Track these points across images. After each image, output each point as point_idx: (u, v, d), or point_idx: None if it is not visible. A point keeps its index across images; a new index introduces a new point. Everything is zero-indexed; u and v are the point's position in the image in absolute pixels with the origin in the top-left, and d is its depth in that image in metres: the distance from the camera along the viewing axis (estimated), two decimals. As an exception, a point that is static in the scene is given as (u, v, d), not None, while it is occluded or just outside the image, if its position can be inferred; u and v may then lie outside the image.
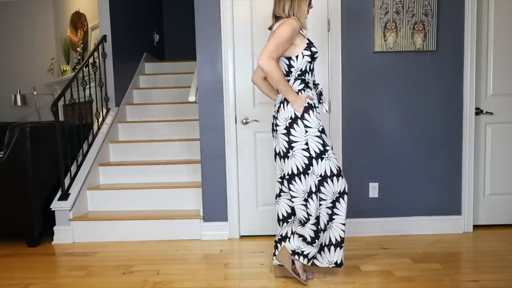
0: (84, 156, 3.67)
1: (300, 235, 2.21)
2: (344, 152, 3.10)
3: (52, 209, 3.20)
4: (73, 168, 3.50)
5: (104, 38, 4.25)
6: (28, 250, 3.06)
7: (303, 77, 2.18)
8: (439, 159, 3.12)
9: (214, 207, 3.16)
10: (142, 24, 5.48)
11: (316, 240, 2.17)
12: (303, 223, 2.19)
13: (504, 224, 3.25)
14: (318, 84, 2.27)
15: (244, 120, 3.08)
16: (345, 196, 2.22)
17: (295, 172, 2.14)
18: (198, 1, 3.06)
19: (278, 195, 2.34)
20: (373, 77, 3.07)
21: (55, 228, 3.21)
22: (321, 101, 2.26)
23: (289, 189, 2.19)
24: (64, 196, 3.25)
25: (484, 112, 3.16)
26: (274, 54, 2.06)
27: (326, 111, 2.28)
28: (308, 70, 2.18)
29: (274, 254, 2.33)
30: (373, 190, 3.13)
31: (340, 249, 2.24)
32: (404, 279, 2.28)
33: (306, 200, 2.15)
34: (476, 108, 3.14)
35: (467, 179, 3.12)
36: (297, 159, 2.13)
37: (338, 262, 2.25)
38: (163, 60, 6.30)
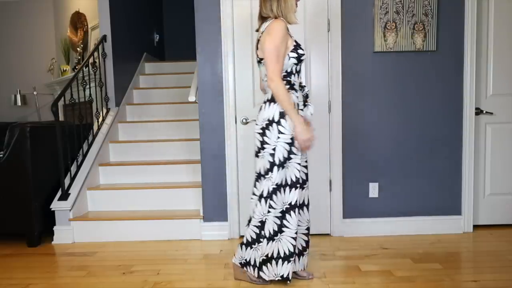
0: (84, 156, 3.67)
1: (242, 243, 2.23)
2: (344, 152, 3.10)
3: (52, 209, 3.20)
4: (73, 168, 3.50)
5: (104, 38, 4.25)
6: (28, 250, 3.06)
7: (288, 79, 2.14)
8: (439, 159, 3.12)
9: (214, 207, 3.16)
10: (142, 24, 5.48)
11: (256, 243, 2.17)
12: (247, 224, 2.22)
13: (504, 224, 3.25)
14: (304, 86, 2.23)
15: (244, 120, 3.08)
16: (296, 210, 2.13)
17: (262, 172, 2.15)
18: (198, 1, 3.06)
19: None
20: (373, 77, 3.07)
21: (55, 228, 3.21)
22: (306, 104, 2.21)
23: (254, 186, 2.21)
24: (64, 196, 3.25)
25: (484, 112, 3.16)
26: (278, 68, 2.06)
27: (311, 114, 2.23)
28: (294, 72, 2.15)
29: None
30: (373, 190, 3.13)
31: (288, 263, 2.13)
32: (404, 279, 2.28)
33: (258, 201, 2.16)
34: (476, 108, 3.14)
35: (467, 179, 3.12)
36: (264, 161, 2.13)
37: (285, 276, 2.14)
38: (163, 60, 6.30)
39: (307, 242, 2.31)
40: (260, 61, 2.20)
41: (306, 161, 2.26)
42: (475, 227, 3.20)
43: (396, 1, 3.00)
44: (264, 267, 2.18)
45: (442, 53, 3.06)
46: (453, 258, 2.62)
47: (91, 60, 4.01)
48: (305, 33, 3.04)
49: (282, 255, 2.14)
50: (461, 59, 3.06)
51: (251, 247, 2.20)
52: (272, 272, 2.17)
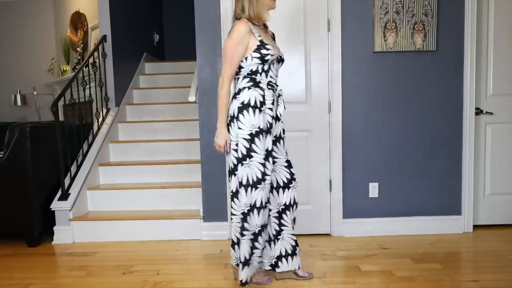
0: (84, 156, 3.67)
1: (233, 244, 2.23)
2: (344, 152, 3.10)
3: (52, 209, 3.20)
4: (73, 168, 3.50)
5: (104, 38, 4.25)
6: (28, 250, 3.06)
7: (253, 76, 2.13)
8: (439, 159, 3.12)
9: (214, 207, 3.16)
10: (142, 24, 5.48)
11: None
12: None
13: (504, 224, 3.25)
14: (276, 85, 2.21)
15: (244, 120, 3.07)
16: (255, 211, 2.09)
17: (230, 169, 2.18)
18: (198, 1, 3.06)
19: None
20: (373, 77, 3.07)
21: (55, 228, 3.21)
22: (278, 104, 2.21)
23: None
24: (64, 196, 3.25)
25: (484, 112, 3.16)
26: (230, 72, 2.11)
27: (280, 114, 2.21)
28: (260, 71, 2.13)
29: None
30: (373, 190, 3.13)
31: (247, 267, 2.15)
32: (404, 279, 2.28)
33: (232, 199, 2.19)
34: (476, 108, 3.14)
35: (467, 179, 3.12)
36: (231, 157, 2.16)
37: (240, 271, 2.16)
38: (163, 60, 6.30)
39: (295, 241, 2.29)
40: None
41: (286, 161, 2.25)
42: (475, 227, 3.20)
43: (396, 1, 3.00)
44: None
45: (442, 53, 3.06)
46: (453, 258, 2.62)
47: (91, 60, 4.01)
48: (305, 33, 3.04)
49: (242, 259, 2.15)
50: (461, 59, 3.06)
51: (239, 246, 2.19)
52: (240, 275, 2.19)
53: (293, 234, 2.28)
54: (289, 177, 2.25)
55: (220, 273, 2.46)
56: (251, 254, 2.15)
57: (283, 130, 2.28)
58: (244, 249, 2.13)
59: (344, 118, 3.09)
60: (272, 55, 2.12)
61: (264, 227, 2.15)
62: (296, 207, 2.29)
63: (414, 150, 3.11)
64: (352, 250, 2.80)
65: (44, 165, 3.23)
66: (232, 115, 2.13)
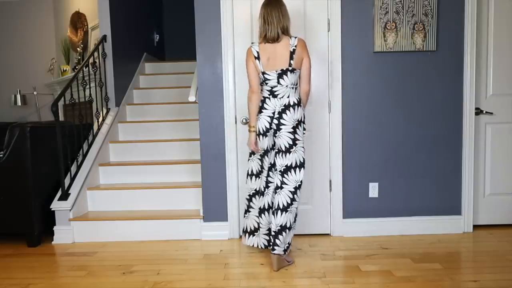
0: (84, 156, 3.67)
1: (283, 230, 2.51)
2: (344, 152, 3.10)
3: (52, 209, 3.20)
4: (73, 168, 3.50)
5: (104, 38, 4.25)
6: (28, 250, 3.06)
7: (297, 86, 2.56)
8: (439, 159, 3.12)
9: (214, 207, 3.16)
10: (142, 24, 5.48)
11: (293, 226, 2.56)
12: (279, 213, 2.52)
13: (504, 224, 3.25)
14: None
15: (244, 120, 3.08)
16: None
17: (294, 165, 2.51)
18: (198, 1, 3.06)
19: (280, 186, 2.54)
20: (373, 77, 3.08)
21: (55, 228, 3.21)
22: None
23: (287, 179, 2.52)
24: (64, 196, 3.25)
25: (484, 112, 3.17)
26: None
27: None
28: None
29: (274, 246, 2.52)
30: (373, 190, 3.13)
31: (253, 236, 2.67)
32: (404, 279, 2.28)
33: (294, 188, 2.55)
34: (476, 108, 3.14)
35: (467, 179, 3.12)
36: (299, 154, 2.52)
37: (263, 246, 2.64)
38: (163, 60, 6.30)
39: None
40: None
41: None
42: (475, 227, 3.20)
43: (396, 1, 3.00)
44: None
45: (442, 53, 3.06)
46: (453, 258, 2.62)
47: (91, 60, 4.01)
48: (305, 33, 3.04)
49: (248, 230, 2.71)
50: (461, 59, 3.06)
51: (290, 229, 2.51)
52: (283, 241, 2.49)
53: (257, 216, 2.69)
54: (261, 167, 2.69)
55: (220, 273, 2.46)
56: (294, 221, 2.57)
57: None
58: (291, 218, 2.52)
59: (344, 118, 3.09)
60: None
61: None
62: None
63: (414, 150, 3.11)
64: (352, 250, 2.80)
65: (44, 165, 3.23)
66: (300, 119, 2.50)
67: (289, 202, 2.47)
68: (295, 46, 2.46)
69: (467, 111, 3.08)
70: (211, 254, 2.82)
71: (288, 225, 2.47)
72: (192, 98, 3.09)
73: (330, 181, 3.13)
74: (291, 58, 2.45)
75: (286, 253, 2.51)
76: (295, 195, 2.49)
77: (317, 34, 3.05)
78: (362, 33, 3.05)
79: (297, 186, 2.50)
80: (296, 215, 2.55)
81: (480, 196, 3.22)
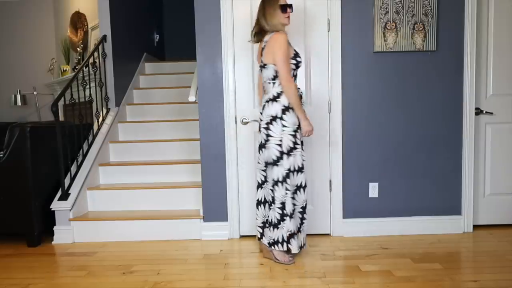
0: (84, 156, 3.67)
1: (270, 225, 2.60)
2: (344, 152, 3.10)
3: (52, 209, 3.20)
4: (73, 168, 3.50)
5: (104, 38, 4.25)
6: (28, 250, 3.06)
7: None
8: (439, 159, 3.12)
9: (214, 207, 3.16)
10: (142, 24, 5.48)
11: (281, 223, 2.52)
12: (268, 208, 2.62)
13: (504, 224, 3.25)
14: (298, 88, 2.55)
15: (244, 120, 3.08)
16: (302, 190, 2.58)
17: (271, 161, 2.52)
18: (198, 1, 3.06)
19: (264, 182, 2.63)
20: (373, 77, 3.07)
21: (55, 228, 3.21)
22: (301, 103, 2.55)
23: (266, 176, 2.58)
24: (64, 196, 3.25)
25: (484, 112, 3.17)
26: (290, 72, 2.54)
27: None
28: (292, 76, 2.52)
29: (260, 238, 2.69)
30: (373, 190, 3.13)
31: (296, 236, 2.54)
32: (404, 279, 2.28)
33: (273, 186, 2.54)
34: (476, 108, 3.14)
35: (467, 179, 3.12)
36: (271, 151, 2.51)
37: (293, 251, 2.53)
38: (163, 60, 6.30)
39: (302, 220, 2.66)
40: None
41: (302, 149, 2.63)
42: (475, 227, 3.20)
43: (396, 1, 3.00)
44: (291, 240, 2.51)
45: (442, 53, 3.06)
46: (453, 258, 2.62)
47: (91, 60, 4.01)
48: (305, 33, 3.04)
49: (295, 229, 2.55)
50: (461, 59, 3.06)
51: (277, 227, 2.54)
52: (296, 244, 2.52)
53: (301, 213, 2.64)
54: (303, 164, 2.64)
55: (220, 273, 2.46)
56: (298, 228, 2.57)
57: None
58: (291, 225, 2.50)
59: (344, 118, 3.09)
60: (300, 63, 2.55)
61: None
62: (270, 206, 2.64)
63: (414, 150, 3.11)
64: (352, 250, 2.80)
65: (44, 165, 3.23)
66: (275, 115, 2.48)
67: (270, 199, 2.56)
68: (266, 42, 2.51)
69: (467, 111, 3.08)
70: (211, 254, 2.82)
71: (271, 221, 2.57)
72: (192, 98, 3.09)
73: (330, 181, 3.13)
74: (261, 53, 2.56)
75: (272, 248, 2.59)
76: (275, 192, 2.52)
77: (317, 34, 3.05)
78: (362, 33, 3.05)
79: (274, 183, 2.51)
80: (286, 214, 2.49)
81: (480, 196, 3.22)
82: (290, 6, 2.51)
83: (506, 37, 3.13)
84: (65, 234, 3.20)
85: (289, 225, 2.50)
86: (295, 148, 2.51)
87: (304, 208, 2.62)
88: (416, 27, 3.02)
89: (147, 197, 3.45)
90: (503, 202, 3.23)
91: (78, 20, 5.58)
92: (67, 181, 3.36)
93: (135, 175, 3.74)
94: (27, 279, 2.47)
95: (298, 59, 2.52)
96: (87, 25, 5.43)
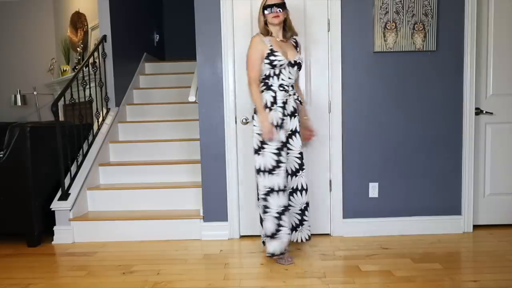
0: (84, 156, 3.67)
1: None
2: (344, 152, 3.10)
3: (52, 209, 3.20)
4: (73, 168, 3.50)
5: (104, 38, 4.25)
6: (28, 250, 3.06)
7: (266, 80, 2.54)
8: (439, 159, 3.12)
9: (214, 207, 3.16)
10: (142, 24, 5.48)
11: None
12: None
13: (504, 224, 3.25)
14: (290, 87, 2.56)
15: (244, 120, 3.08)
16: (274, 193, 2.52)
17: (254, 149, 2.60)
18: (198, 1, 3.06)
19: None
20: (373, 77, 3.07)
21: (55, 228, 3.21)
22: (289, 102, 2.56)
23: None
24: (64, 196, 3.25)
25: (484, 112, 3.16)
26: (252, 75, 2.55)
27: (291, 112, 2.57)
28: (272, 75, 2.52)
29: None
30: (373, 190, 3.13)
31: (271, 240, 2.53)
32: (404, 279, 2.28)
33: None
34: (476, 108, 3.14)
35: (467, 179, 3.12)
36: (253, 140, 2.59)
37: (270, 252, 2.54)
38: (163, 60, 6.30)
39: (300, 220, 2.69)
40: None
41: (299, 153, 2.62)
42: (475, 227, 3.20)
43: (396, 1, 3.00)
44: (268, 239, 2.56)
45: (442, 53, 3.06)
46: (453, 258, 2.62)
47: (91, 60, 4.01)
48: (305, 33, 3.04)
49: (268, 233, 2.55)
50: (461, 59, 3.06)
51: (261, 224, 2.63)
52: (275, 246, 2.53)
53: (298, 214, 2.67)
54: (297, 166, 2.63)
55: (220, 273, 2.46)
56: (277, 230, 2.51)
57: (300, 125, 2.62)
58: (269, 226, 2.52)
59: (344, 118, 3.09)
60: (279, 61, 2.47)
61: (285, 207, 2.53)
62: (306, 193, 2.66)
63: (414, 150, 3.11)
64: (352, 250, 2.80)
65: (44, 165, 3.23)
66: (253, 113, 2.57)
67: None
68: None
69: (467, 111, 3.08)
70: (211, 254, 2.82)
71: (260, 218, 2.62)
72: (192, 98, 3.09)
73: (330, 181, 3.13)
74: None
75: (265, 245, 2.66)
76: (257, 180, 2.56)
77: (317, 34, 3.05)
78: (362, 33, 3.05)
79: (256, 171, 2.54)
80: (265, 212, 2.54)
81: (480, 196, 3.22)
82: (273, 5, 2.49)
83: (506, 37, 3.13)
84: (65, 234, 3.20)
85: (266, 225, 2.53)
86: (263, 148, 2.50)
87: (303, 210, 2.65)
88: (416, 27, 3.02)
89: (147, 197, 3.45)
90: (503, 202, 3.23)
91: (78, 20, 5.57)
92: (67, 181, 3.36)
93: (135, 175, 3.74)
94: (27, 279, 2.47)
95: (272, 57, 2.47)
96: (87, 25, 5.43)
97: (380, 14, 3.01)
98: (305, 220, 2.69)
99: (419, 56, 3.06)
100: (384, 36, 3.03)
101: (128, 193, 3.46)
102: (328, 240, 3.06)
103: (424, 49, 3.04)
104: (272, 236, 2.52)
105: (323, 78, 3.07)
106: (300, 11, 3.03)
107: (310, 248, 2.87)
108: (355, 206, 3.13)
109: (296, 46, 2.68)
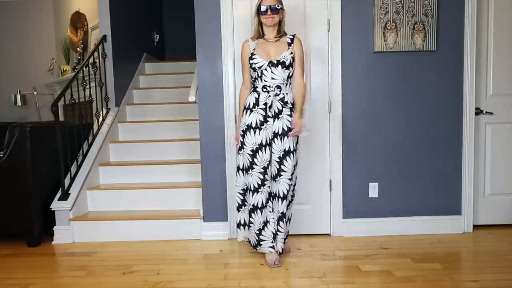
0: (84, 156, 3.67)
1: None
2: (344, 152, 3.10)
3: (52, 209, 3.20)
4: (73, 168, 3.50)
5: (104, 38, 4.25)
6: (28, 250, 3.06)
7: (253, 83, 2.60)
8: (439, 159, 3.12)
9: (214, 207, 3.16)
10: (142, 24, 5.48)
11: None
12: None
13: (504, 224, 3.25)
14: (272, 88, 2.52)
15: (244, 120, 3.08)
16: (250, 192, 2.54)
17: None
18: (198, 1, 3.06)
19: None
20: (373, 77, 3.08)
21: (55, 228, 3.21)
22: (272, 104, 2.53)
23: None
24: (64, 196, 3.25)
25: (484, 112, 3.17)
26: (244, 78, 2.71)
27: (273, 113, 2.52)
28: (256, 77, 2.57)
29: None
30: (373, 190, 3.13)
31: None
32: (404, 279, 2.28)
33: None
34: (476, 108, 3.14)
35: (467, 179, 3.12)
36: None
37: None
38: (163, 60, 6.30)
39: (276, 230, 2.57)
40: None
41: (278, 157, 2.53)
42: (475, 227, 3.20)
43: (396, 1, 3.00)
44: (237, 229, 2.74)
45: (442, 53, 3.06)
46: (453, 258, 2.62)
47: (91, 60, 4.01)
48: (305, 33, 3.04)
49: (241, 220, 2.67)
50: (461, 59, 3.06)
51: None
52: (241, 234, 2.70)
53: (278, 221, 2.56)
54: (276, 171, 2.55)
55: (220, 273, 2.46)
56: (250, 222, 2.57)
57: (289, 128, 2.53)
58: (245, 216, 2.62)
59: (344, 118, 3.09)
60: (256, 63, 2.52)
61: (256, 206, 2.52)
62: (283, 201, 2.54)
63: (414, 150, 3.11)
64: (352, 250, 2.80)
65: (44, 165, 3.23)
66: None
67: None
68: None
69: (467, 111, 3.08)
70: (211, 254, 2.82)
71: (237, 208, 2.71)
72: (192, 98, 3.09)
73: (330, 181, 3.13)
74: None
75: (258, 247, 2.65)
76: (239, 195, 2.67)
77: (317, 34, 3.05)
78: (362, 33, 3.05)
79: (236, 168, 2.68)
80: (246, 213, 2.63)
81: (480, 196, 3.22)
82: (268, 6, 2.48)
83: (506, 37, 3.13)
84: (65, 234, 3.20)
85: (243, 216, 2.65)
86: (243, 148, 2.55)
87: (278, 220, 2.54)
88: (416, 27, 3.02)
89: (147, 197, 3.45)
90: (503, 202, 3.23)
91: (78, 20, 5.57)
92: (67, 181, 3.36)
93: (135, 175, 3.74)
94: (27, 279, 2.47)
95: (251, 61, 2.55)
96: (87, 25, 5.43)
97: (380, 14, 3.01)
98: (280, 231, 2.55)
99: (419, 56, 3.06)
100: (384, 36, 3.03)
101: (128, 193, 3.46)
102: (328, 240, 3.06)
103: (424, 49, 3.04)
104: (248, 225, 2.61)
105: (323, 78, 3.07)
106: (300, 11, 3.03)
107: (310, 248, 2.87)
108: (355, 206, 3.13)
109: (291, 43, 2.57)
